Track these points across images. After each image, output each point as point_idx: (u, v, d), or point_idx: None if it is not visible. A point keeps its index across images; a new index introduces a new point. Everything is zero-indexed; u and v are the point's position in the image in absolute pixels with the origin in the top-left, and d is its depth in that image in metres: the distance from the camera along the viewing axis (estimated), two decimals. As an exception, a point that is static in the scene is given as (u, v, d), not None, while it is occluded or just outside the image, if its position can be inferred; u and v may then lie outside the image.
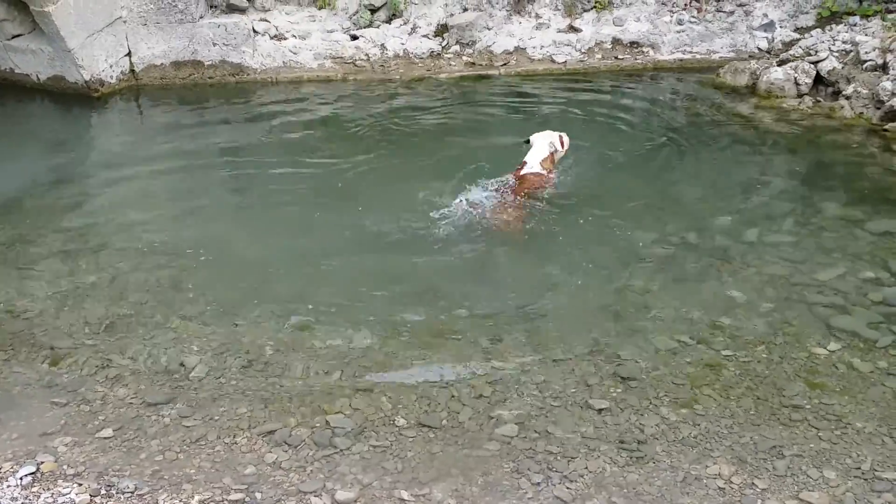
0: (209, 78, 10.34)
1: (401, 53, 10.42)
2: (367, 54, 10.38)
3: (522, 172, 6.72)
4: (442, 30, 10.57)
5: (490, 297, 5.63)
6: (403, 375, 4.83)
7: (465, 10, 10.59)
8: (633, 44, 10.28)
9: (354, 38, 10.53)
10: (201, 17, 10.31)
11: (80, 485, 3.92)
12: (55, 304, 5.63)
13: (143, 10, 10.10)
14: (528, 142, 6.96)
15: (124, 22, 10.11)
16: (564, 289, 5.70)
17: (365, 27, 10.62)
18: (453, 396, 4.62)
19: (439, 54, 10.40)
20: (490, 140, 8.20)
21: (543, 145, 6.85)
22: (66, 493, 3.86)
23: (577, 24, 10.41)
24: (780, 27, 10.28)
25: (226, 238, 6.54)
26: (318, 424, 4.41)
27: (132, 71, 10.32)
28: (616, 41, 10.33)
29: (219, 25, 10.27)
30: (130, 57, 10.29)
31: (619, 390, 4.65)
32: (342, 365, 4.94)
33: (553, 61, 10.16)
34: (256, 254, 6.27)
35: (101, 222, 6.93)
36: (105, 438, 4.30)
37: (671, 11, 10.51)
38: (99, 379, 4.80)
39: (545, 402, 4.56)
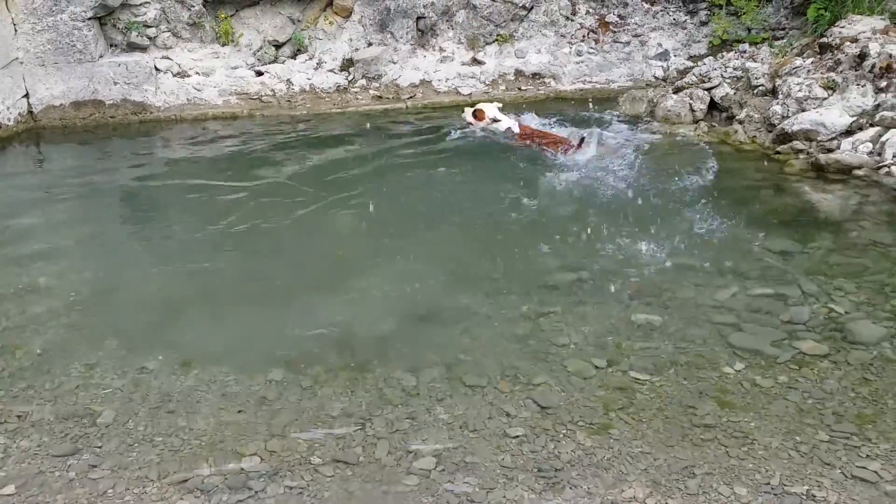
0: (111, 118, 10.13)
1: (307, 88, 10.41)
2: (272, 90, 10.34)
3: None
4: (348, 64, 10.62)
5: (401, 325, 5.63)
6: (319, 413, 4.77)
7: (370, 44, 10.67)
8: (536, 75, 10.52)
9: (259, 73, 10.48)
10: (101, 56, 10.11)
11: (-19, 547, 3.75)
12: (-50, 356, 5.39)
13: (41, 51, 9.86)
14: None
15: (21, 63, 9.85)
16: (474, 316, 5.74)
17: (270, 63, 10.59)
18: (369, 432, 4.59)
19: (346, 88, 10.44)
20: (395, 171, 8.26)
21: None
22: (-35, 557, 3.68)
23: (480, 56, 10.60)
24: (675, 56, 10.66)
25: (127, 280, 6.40)
26: (231, 470, 4.32)
27: (30, 112, 10.05)
28: (519, 73, 10.56)
29: (119, 64, 10.09)
30: (28, 98, 10.00)
31: (536, 417, 4.69)
32: (255, 406, 4.85)
33: (458, 93, 10.31)
34: (159, 294, 6.15)
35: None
36: (7, 495, 4.11)
37: (570, 43, 10.81)
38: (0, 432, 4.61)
39: (462, 432, 4.57)
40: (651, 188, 7.75)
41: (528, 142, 8.35)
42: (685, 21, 10.93)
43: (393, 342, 5.47)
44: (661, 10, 10.98)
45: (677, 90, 9.51)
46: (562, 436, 4.55)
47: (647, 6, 11.02)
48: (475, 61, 10.56)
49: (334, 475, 4.26)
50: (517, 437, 4.53)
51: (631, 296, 5.93)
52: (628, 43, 10.79)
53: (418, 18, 10.59)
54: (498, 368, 5.14)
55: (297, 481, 4.21)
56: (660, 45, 10.76)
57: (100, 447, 4.48)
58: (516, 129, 8.49)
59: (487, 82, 10.43)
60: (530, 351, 5.33)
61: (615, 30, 10.96)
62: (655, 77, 10.48)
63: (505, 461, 4.35)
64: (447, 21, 10.68)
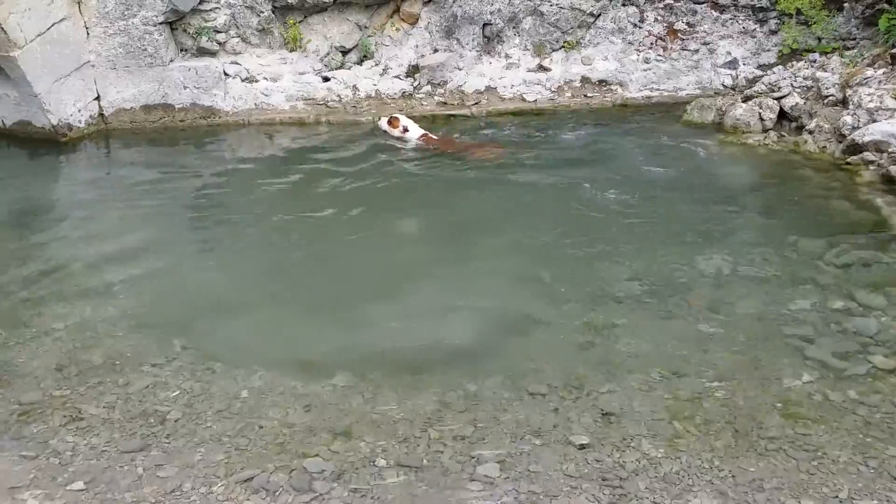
0: (180, 121, 10.30)
1: (373, 94, 10.47)
2: (339, 95, 10.42)
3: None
4: (413, 70, 10.65)
5: (465, 331, 5.61)
6: (382, 416, 4.78)
7: (436, 50, 10.69)
8: (602, 82, 10.43)
9: (326, 79, 10.57)
10: (171, 61, 10.30)
11: (51, 539, 3.82)
12: (22, 354, 5.49)
13: (112, 55, 10.07)
14: None
15: (93, 66, 10.08)
16: (536, 324, 5.70)
17: (336, 69, 10.67)
18: (433, 436, 4.58)
19: (411, 94, 10.47)
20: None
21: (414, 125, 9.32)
22: (37, 549, 3.75)
23: (546, 63, 10.54)
24: (744, 64, 10.49)
25: (193, 283, 6.49)
26: (296, 468, 4.34)
27: (101, 115, 10.26)
28: (585, 79, 10.48)
29: (189, 69, 10.26)
30: (99, 101, 10.23)
31: (600, 426, 4.63)
32: (319, 408, 4.88)
33: (524, 100, 10.26)
34: (226, 297, 6.21)
35: (67, 268, 6.80)
36: (77, 491, 4.19)
37: (638, 50, 10.69)
38: (70, 430, 4.69)
39: (526, 440, 4.53)
40: (718, 197, 7.63)
41: (433, 146, 9.07)
42: (755, 29, 10.74)
43: (454, 349, 5.46)
44: (731, 19, 10.81)
45: (746, 99, 9.35)
46: (627, 445, 4.49)
47: (716, 14, 10.85)
48: (541, 68, 10.51)
49: (398, 479, 4.26)
50: (581, 445, 4.47)
51: (697, 306, 5.84)
52: (697, 51, 10.64)
53: (484, 25, 10.58)
54: (561, 376, 5.09)
55: (361, 484, 4.21)
56: (729, 53, 10.59)
57: (168, 445, 4.54)
58: (421, 137, 9.24)
59: (553, 89, 10.37)
60: (594, 359, 5.28)
61: (683, 37, 10.81)
62: (724, 85, 10.32)
63: (569, 469, 4.31)
64: (513, 28, 10.65)
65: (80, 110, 10.00)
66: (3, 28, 8.84)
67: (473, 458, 4.39)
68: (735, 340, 5.41)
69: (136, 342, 5.61)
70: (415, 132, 9.27)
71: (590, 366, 5.19)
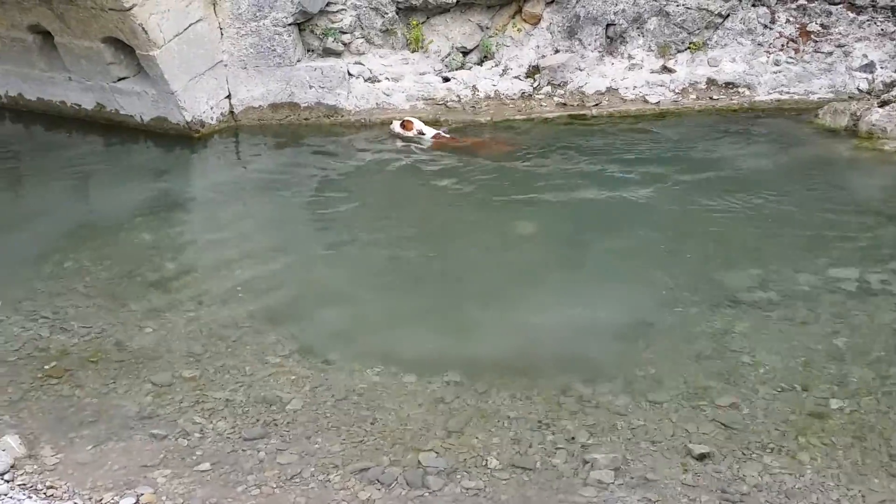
0: (304, 119, 10.56)
1: (492, 94, 10.49)
2: (458, 95, 10.49)
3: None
4: (533, 71, 10.61)
5: (580, 335, 5.57)
6: (495, 416, 4.79)
7: (557, 51, 10.62)
8: (729, 84, 10.14)
9: (446, 79, 10.65)
10: (298, 61, 10.59)
11: (179, 517, 3.99)
12: (155, 337, 5.78)
13: (244, 55, 10.43)
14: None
15: (225, 65, 10.46)
16: (658, 328, 5.61)
17: (457, 69, 10.74)
18: (547, 438, 4.56)
19: (530, 95, 10.43)
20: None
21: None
22: (166, 525, 3.93)
23: (670, 64, 10.32)
24: (881, 68, 10.00)
25: (315, 277, 6.67)
26: (410, 463, 4.40)
27: (231, 112, 10.63)
28: (711, 81, 10.20)
29: (315, 69, 10.53)
30: (230, 99, 10.61)
31: (720, 437, 4.52)
32: (433, 404, 4.93)
33: (646, 102, 10.08)
34: (345, 292, 6.36)
35: (197, 258, 7.17)
36: (203, 471, 4.37)
37: (767, 52, 10.34)
38: (198, 411, 4.89)
39: (642, 446, 4.45)
40: (851, 206, 7.31)
41: (449, 145, 9.39)
42: (894, 32, 10.22)
43: (569, 352, 5.43)
44: (868, 20, 10.32)
45: (883, 104, 8.92)
46: (748, 458, 4.37)
47: (852, 15, 10.38)
48: (665, 69, 10.29)
49: (510, 479, 4.27)
50: (701, 455, 4.37)
51: (826, 318, 5.61)
52: (830, 53, 10.19)
53: (608, 25, 10.44)
54: (681, 384, 4.99)
55: (474, 482, 4.24)
56: (865, 56, 10.10)
57: (288, 432, 4.68)
58: (434, 137, 9.51)
59: (677, 91, 10.14)
60: (716, 369, 5.15)
61: (817, 39, 10.38)
62: (859, 90, 9.86)
63: (687, 480, 4.22)
64: (638, 28, 10.47)
65: (212, 108, 10.39)
66: (144, 28, 9.28)
67: (588, 462, 4.35)
68: (866, 355, 5.18)
69: (260, 332, 5.81)
70: (428, 133, 9.56)
71: (710, 374, 5.07)
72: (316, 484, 4.27)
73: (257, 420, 4.82)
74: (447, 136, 9.61)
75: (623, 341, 5.50)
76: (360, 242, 7.25)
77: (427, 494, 4.17)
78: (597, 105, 10.12)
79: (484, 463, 4.40)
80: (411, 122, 9.73)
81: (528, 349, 5.47)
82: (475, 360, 5.35)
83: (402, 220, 7.57)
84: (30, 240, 7.45)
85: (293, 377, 5.25)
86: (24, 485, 4.24)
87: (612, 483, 4.20)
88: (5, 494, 4.03)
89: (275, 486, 4.26)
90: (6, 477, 4.27)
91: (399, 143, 9.62)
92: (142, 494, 4.17)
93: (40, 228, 7.72)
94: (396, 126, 9.82)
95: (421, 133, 9.59)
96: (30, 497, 4.04)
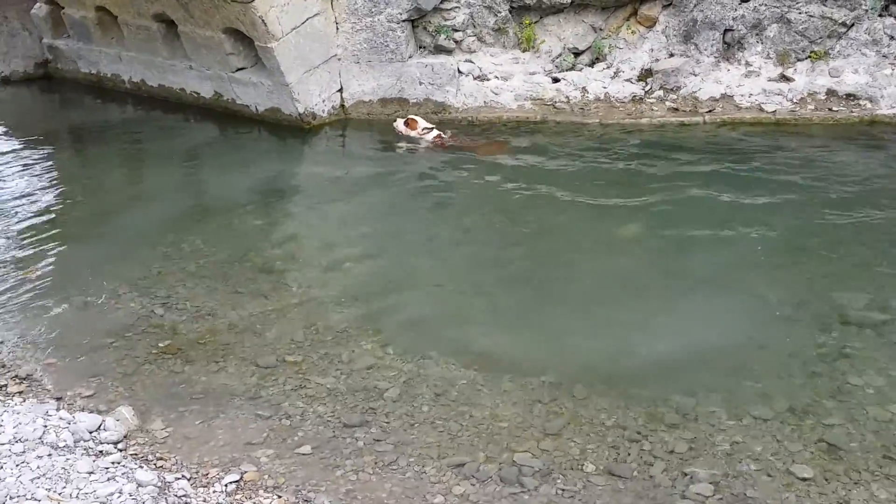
0: (413, 115, 10.69)
1: (602, 97, 10.39)
2: (567, 97, 10.42)
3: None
4: (646, 74, 10.45)
5: (682, 346, 5.47)
6: (592, 421, 4.75)
7: (671, 55, 10.44)
8: (850, 96, 9.76)
9: (556, 80, 10.60)
10: (410, 57, 10.71)
11: (280, 497, 4.10)
12: (261, 321, 5.95)
13: (357, 49, 10.61)
14: None
15: (339, 60, 10.67)
16: (764, 343, 5.46)
17: (567, 70, 10.68)
18: (645, 448, 4.50)
19: (641, 99, 10.28)
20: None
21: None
22: (266, 504, 4.04)
23: (789, 73, 10.01)
24: None
25: (415, 272, 6.75)
26: (505, 461, 4.41)
27: (342, 105, 10.84)
28: (831, 92, 9.84)
29: (426, 65, 10.63)
30: (342, 92, 10.81)
31: (825, 459, 4.37)
32: (529, 405, 4.92)
33: (762, 110, 9.80)
34: (443, 288, 6.42)
35: (303, 245, 7.38)
36: (304, 454, 4.48)
37: (893, 65, 9.91)
38: (300, 395, 5.02)
39: (744, 464, 4.35)
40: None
41: (448, 144, 9.67)
42: None
43: (671, 362, 5.31)
44: None
45: None
46: (854, 484, 4.21)
47: None
48: (783, 78, 9.98)
49: (606, 485, 4.23)
50: (804, 477, 4.24)
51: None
52: (963, 66, 9.74)
53: (725, 31, 10.18)
54: (786, 402, 4.85)
55: (569, 485, 4.22)
56: None
57: (387, 423, 4.76)
58: (435, 137, 9.76)
59: (795, 100, 9.82)
60: (823, 388, 4.98)
61: (948, 51, 9.91)
62: None
63: (789, 500, 4.10)
64: (756, 35, 10.17)
65: (324, 100, 10.62)
66: (264, 20, 9.55)
67: (686, 475, 4.28)
68: None
69: (361, 322, 5.91)
70: (431, 132, 9.81)
71: (818, 394, 4.90)
72: (412, 474, 4.32)
73: (356, 407, 4.91)
74: (447, 136, 9.81)
75: (726, 355, 5.36)
76: (462, 241, 7.30)
77: (521, 493, 4.17)
78: (710, 111, 9.91)
79: (580, 467, 4.37)
80: (415, 121, 9.95)
81: (628, 357, 5.39)
82: (574, 363, 5.32)
83: (505, 219, 7.57)
84: (148, 220, 7.80)
85: (392, 369, 5.32)
86: (135, 454, 4.44)
87: (711, 498, 4.12)
88: (118, 463, 4.22)
89: (371, 472, 4.33)
90: (119, 446, 4.48)
91: (518, 142, 9.60)
92: (245, 472, 4.31)
93: (158, 209, 8.08)
94: (400, 124, 10.04)
95: (425, 130, 9.84)
96: (141, 467, 4.22)
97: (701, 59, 10.32)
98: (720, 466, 4.34)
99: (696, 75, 10.26)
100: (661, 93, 10.24)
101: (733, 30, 10.19)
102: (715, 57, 10.31)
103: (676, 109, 10.03)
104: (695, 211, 7.52)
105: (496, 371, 5.27)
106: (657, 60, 10.45)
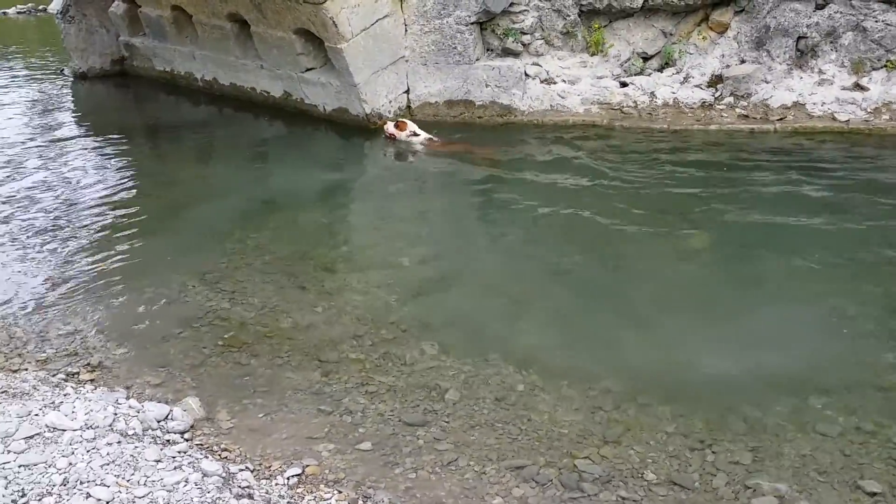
0: (478, 117, 10.72)
1: (670, 102, 10.28)
2: (634, 102, 10.34)
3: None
4: (716, 80, 10.31)
5: (749, 355, 5.38)
6: (654, 429, 4.70)
7: (743, 61, 10.28)
8: (928, 106, 9.51)
9: (624, 84, 10.53)
10: (477, 60, 10.74)
11: (340, 492, 4.14)
12: (325, 317, 6.02)
13: (425, 51, 10.68)
14: None
15: (406, 61, 10.75)
16: (834, 356, 5.33)
17: (635, 75, 10.59)
18: (707, 459, 4.44)
19: (711, 105, 10.15)
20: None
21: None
22: (327, 499, 4.08)
23: (864, 82, 9.78)
24: None
25: (476, 271, 6.78)
26: (565, 466, 4.39)
27: (408, 107, 10.92)
28: (907, 102, 9.60)
29: (493, 68, 10.65)
30: (408, 94, 10.89)
31: (894, 476, 4.26)
32: (590, 411, 4.89)
33: (834, 119, 9.60)
34: (505, 292, 6.39)
35: (367, 245, 7.46)
36: (364, 451, 4.53)
37: (975, 73, 9.64)
38: (361, 392, 5.07)
39: (810, 476, 4.26)
40: None
41: (438, 148, 9.81)
42: None
43: (736, 371, 5.23)
44: None
45: None
46: (927, 505, 4.10)
47: None
48: (857, 87, 9.75)
49: (668, 496, 4.18)
50: (872, 493, 4.14)
51: None
52: None
53: (799, 38, 10.00)
54: (853, 417, 4.73)
55: (630, 493, 4.18)
56: None
57: (447, 423, 4.78)
58: (426, 140, 9.93)
59: (869, 110, 9.59)
60: (895, 404, 4.84)
61: None
62: None
63: (856, 517, 4.00)
64: (831, 42, 9.96)
65: (390, 101, 10.71)
66: (334, 21, 9.68)
67: (750, 487, 4.20)
68: None
69: (422, 322, 5.94)
70: (421, 136, 9.96)
71: (889, 410, 4.77)
72: (471, 475, 4.33)
73: (417, 406, 4.93)
74: (437, 140, 9.97)
75: (795, 366, 5.25)
76: (525, 245, 7.29)
77: (582, 498, 4.15)
78: (781, 119, 9.73)
79: (641, 475, 4.33)
80: (405, 123, 10.06)
81: (693, 367, 5.31)
82: (636, 373, 5.25)
83: (569, 225, 7.54)
84: (217, 215, 7.97)
85: (452, 370, 5.33)
86: (201, 444, 4.53)
87: (775, 511, 4.05)
88: (184, 452, 4.31)
89: (430, 471, 4.35)
90: (186, 436, 4.58)
91: (584, 145, 9.54)
92: (307, 466, 4.36)
93: (227, 205, 8.25)
94: (390, 127, 10.13)
95: (414, 134, 9.96)
96: (206, 457, 4.30)
97: (773, 67, 10.14)
98: (786, 479, 4.25)
99: (767, 82, 10.09)
100: (731, 99, 10.09)
101: (807, 37, 10.00)
102: (787, 64, 10.12)
103: (747, 116, 9.88)
104: (765, 220, 7.38)
105: (556, 377, 5.24)
106: (728, 66, 10.31)
